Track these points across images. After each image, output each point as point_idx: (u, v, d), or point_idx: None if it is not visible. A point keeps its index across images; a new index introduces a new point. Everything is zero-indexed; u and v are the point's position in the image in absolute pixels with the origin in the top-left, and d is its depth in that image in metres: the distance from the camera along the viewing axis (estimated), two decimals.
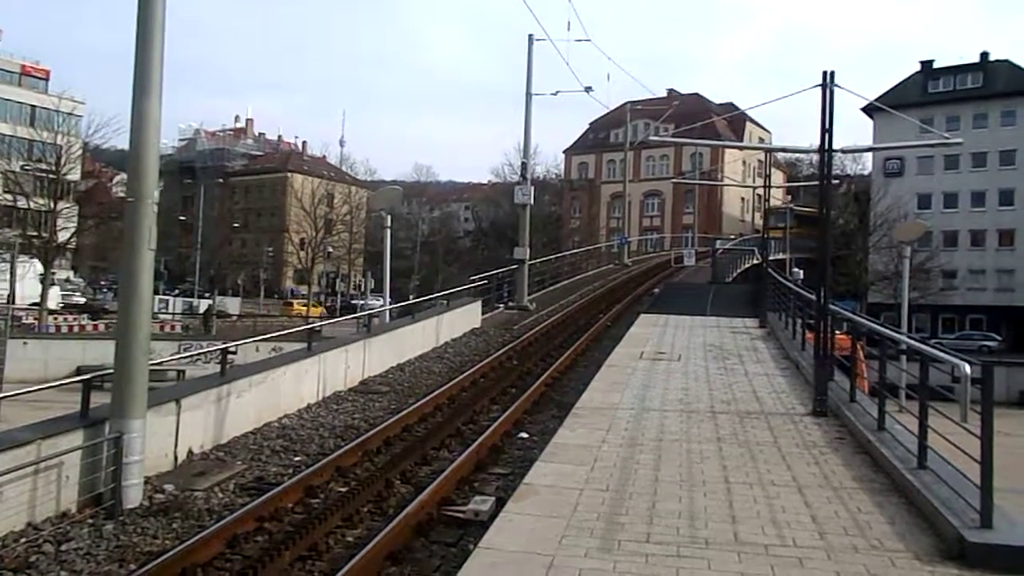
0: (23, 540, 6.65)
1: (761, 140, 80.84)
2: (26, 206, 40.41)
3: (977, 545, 5.12)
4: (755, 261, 40.02)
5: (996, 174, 59.38)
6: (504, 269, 26.64)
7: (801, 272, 32.66)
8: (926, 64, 64.57)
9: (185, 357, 21.90)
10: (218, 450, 9.74)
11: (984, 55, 62.69)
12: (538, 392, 12.96)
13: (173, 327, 40.15)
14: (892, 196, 56.39)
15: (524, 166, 26.92)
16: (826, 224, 10.98)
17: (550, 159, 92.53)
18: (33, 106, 57.01)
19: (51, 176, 40.30)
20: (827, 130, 10.27)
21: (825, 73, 10.25)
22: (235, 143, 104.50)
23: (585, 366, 15.68)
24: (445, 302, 20.94)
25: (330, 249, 71.39)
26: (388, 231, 20.64)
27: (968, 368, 5.78)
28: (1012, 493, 8.22)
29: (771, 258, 28.57)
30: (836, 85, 10.22)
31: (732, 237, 58.19)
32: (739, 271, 43.98)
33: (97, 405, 7.97)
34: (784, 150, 57.20)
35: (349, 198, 78.36)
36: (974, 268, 60.12)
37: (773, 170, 34.69)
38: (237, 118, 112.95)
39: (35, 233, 39.52)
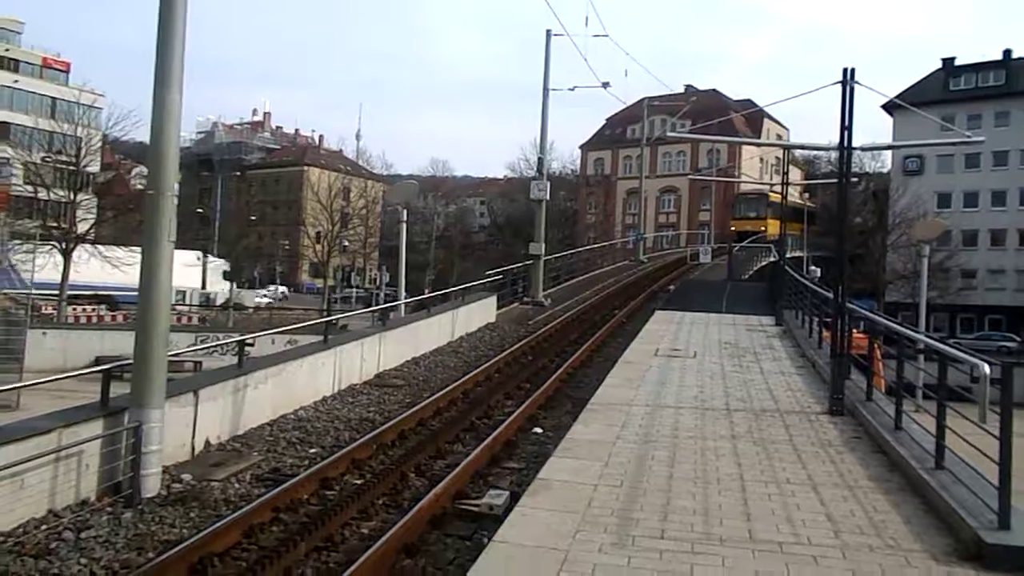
0: (44, 527, 6.75)
1: (779, 137, 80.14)
2: (46, 197, 40.85)
3: (995, 546, 5.09)
4: (772, 259, 39.81)
5: (1017, 173, 58.76)
6: (519, 264, 26.65)
7: (818, 270, 32.48)
8: (947, 61, 63.90)
9: (202, 349, 22.07)
10: (235, 441, 9.83)
11: (1007, 52, 61.94)
12: (553, 387, 12.97)
13: (190, 319, 40.44)
14: (911, 194, 55.86)
15: (540, 161, 26.86)
16: (844, 222, 10.93)
17: (566, 155, 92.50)
18: (54, 98, 57.32)
19: (71, 168, 40.64)
20: (846, 127, 10.20)
21: (845, 70, 10.16)
22: (252, 136, 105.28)
23: (600, 362, 15.67)
24: (461, 297, 20.98)
25: (346, 243, 71.57)
26: (404, 225, 20.78)
27: (988, 368, 5.71)
28: None
29: (788, 256, 28.40)
30: (856, 82, 10.13)
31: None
32: (755, 268, 43.77)
33: (116, 395, 8.05)
34: (802, 147, 56.70)
35: (365, 192, 78.30)
36: (994, 268, 59.55)
37: (791, 167, 34.49)
38: (255, 111, 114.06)
39: (55, 224, 39.90)
